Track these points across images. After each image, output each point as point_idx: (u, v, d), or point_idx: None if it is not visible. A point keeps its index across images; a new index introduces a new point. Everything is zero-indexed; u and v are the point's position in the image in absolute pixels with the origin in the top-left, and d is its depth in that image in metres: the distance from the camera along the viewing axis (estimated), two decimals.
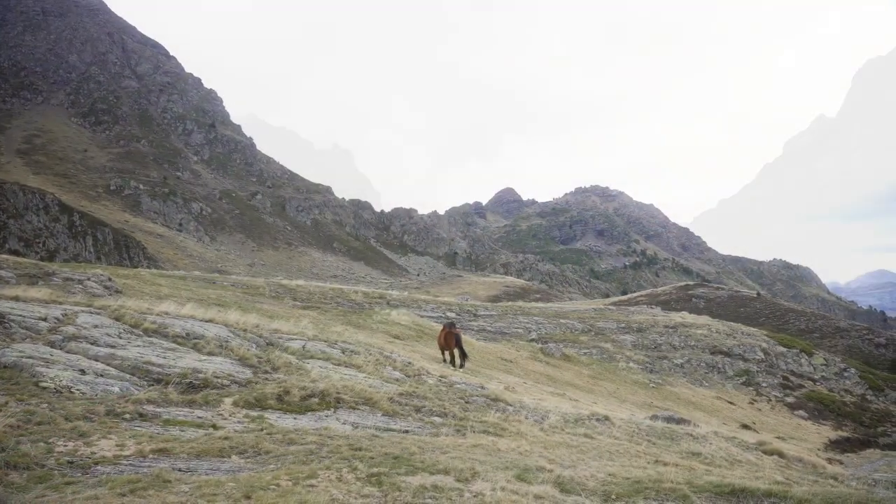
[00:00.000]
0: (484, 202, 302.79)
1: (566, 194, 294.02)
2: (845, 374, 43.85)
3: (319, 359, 13.78)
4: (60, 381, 8.61)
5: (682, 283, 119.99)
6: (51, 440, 6.76)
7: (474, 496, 6.62)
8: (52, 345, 10.08)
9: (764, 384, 38.27)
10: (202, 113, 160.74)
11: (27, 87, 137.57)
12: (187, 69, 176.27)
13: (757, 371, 39.95)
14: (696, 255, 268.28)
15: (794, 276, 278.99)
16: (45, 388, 8.37)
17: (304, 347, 14.53)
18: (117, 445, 6.96)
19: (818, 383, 40.78)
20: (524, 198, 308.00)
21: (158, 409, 8.52)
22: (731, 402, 33.92)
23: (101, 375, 9.28)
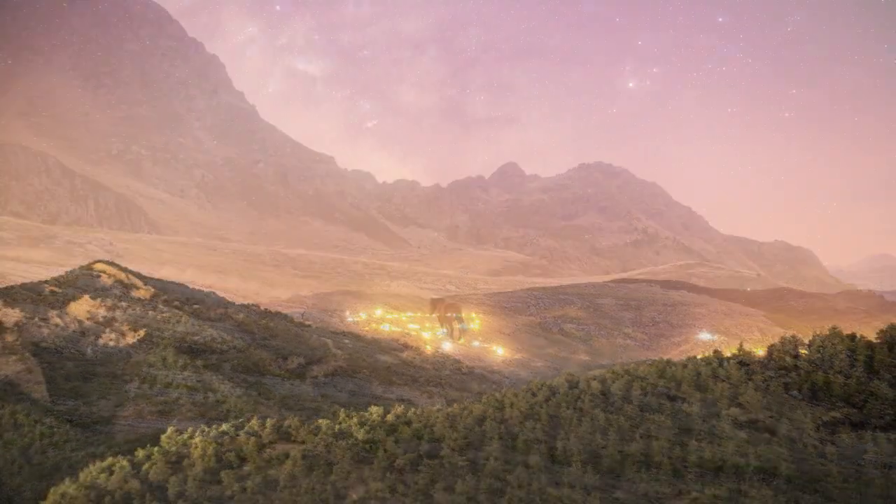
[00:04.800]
0: (487, 176, 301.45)
1: (570, 170, 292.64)
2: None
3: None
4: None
5: (683, 262, 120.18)
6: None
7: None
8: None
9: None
10: (204, 79, 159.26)
11: (29, 47, 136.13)
12: (190, 34, 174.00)
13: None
14: (697, 234, 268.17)
15: (794, 258, 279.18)
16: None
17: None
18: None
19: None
20: (527, 172, 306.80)
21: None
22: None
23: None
